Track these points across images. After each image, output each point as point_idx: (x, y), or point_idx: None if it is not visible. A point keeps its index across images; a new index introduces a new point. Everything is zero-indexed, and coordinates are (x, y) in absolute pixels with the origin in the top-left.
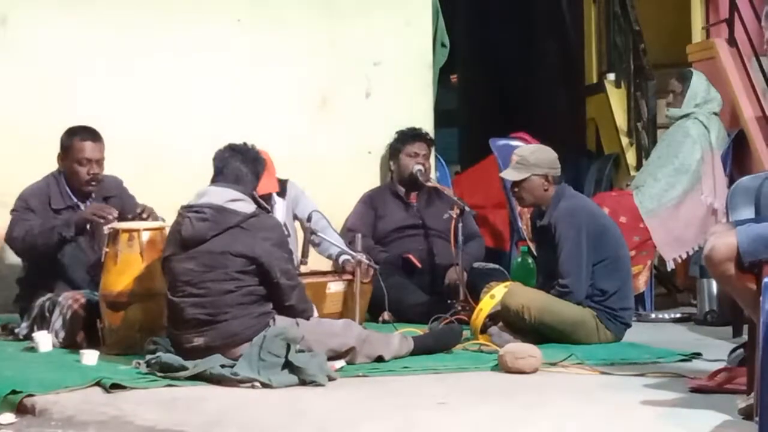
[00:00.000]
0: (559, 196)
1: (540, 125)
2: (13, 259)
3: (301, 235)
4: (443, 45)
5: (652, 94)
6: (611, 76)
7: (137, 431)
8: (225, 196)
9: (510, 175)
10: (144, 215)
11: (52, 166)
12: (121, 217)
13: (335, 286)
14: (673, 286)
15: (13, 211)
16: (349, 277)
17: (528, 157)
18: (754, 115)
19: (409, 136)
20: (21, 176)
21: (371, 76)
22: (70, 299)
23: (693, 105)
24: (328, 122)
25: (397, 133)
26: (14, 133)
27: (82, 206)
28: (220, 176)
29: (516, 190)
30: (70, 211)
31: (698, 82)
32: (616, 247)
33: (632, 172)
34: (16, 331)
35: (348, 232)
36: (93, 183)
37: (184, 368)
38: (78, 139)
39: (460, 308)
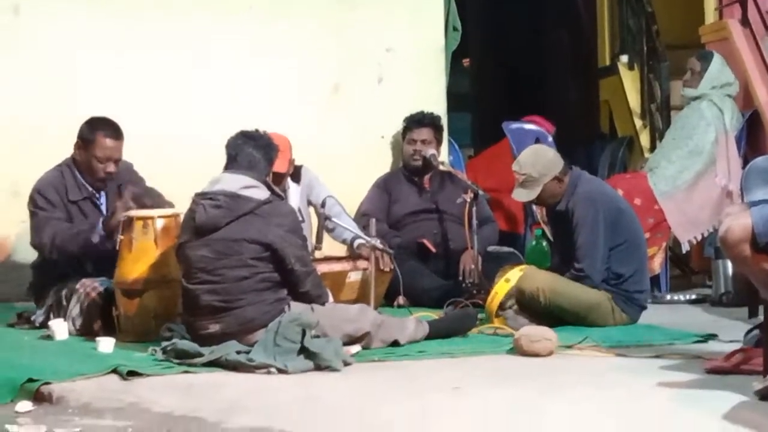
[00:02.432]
0: (574, 182)
1: (553, 108)
2: (26, 248)
3: (315, 220)
4: (455, 29)
5: (665, 76)
6: (624, 58)
7: (154, 418)
8: (239, 183)
9: (523, 195)
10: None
11: (64, 155)
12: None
13: (355, 276)
14: (688, 268)
15: (34, 210)
16: (367, 265)
17: (532, 172)
18: (767, 96)
19: (411, 122)
20: (33, 165)
21: (383, 61)
22: (87, 287)
23: (710, 87)
24: (341, 108)
25: (404, 119)
26: (26, 122)
27: (98, 196)
28: (233, 163)
29: (535, 201)
30: (88, 203)
31: (718, 64)
32: (632, 231)
33: (646, 155)
34: (32, 319)
35: (362, 217)
36: (106, 181)
37: (200, 355)
38: (101, 135)
39: (475, 292)
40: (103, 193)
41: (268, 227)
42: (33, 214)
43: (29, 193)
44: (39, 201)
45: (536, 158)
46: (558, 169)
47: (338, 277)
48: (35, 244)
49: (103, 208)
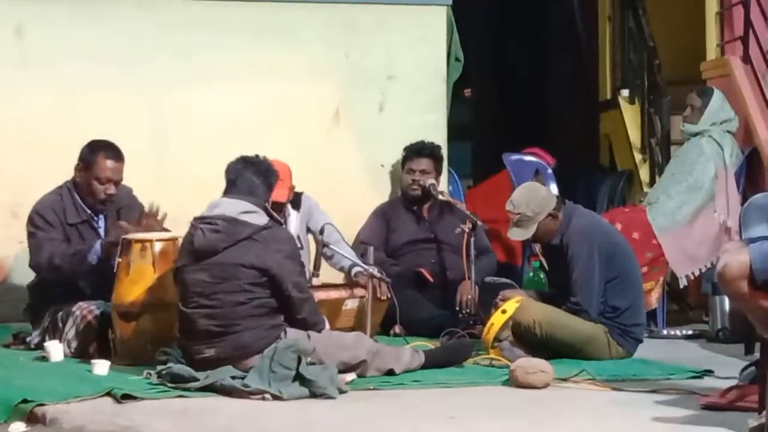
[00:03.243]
0: (569, 216)
1: (553, 140)
2: (24, 270)
3: (313, 247)
4: (457, 59)
5: (666, 111)
6: (625, 92)
7: None
8: (238, 208)
9: (519, 234)
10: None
11: (65, 176)
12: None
13: (351, 303)
14: (686, 303)
15: (32, 231)
16: (364, 293)
17: (526, 212)
18: (767, 133)
19: (410, 152)
20: (32, 186)
21: (385, 89)
22: (84, 310)
23: (710, 123)
24: (341, 135)
25: (404, 148)
26: (28, 143)
27: (96, 219)
28: (233, 188)
29: (531, 240)
30: (86, 226)
31: (719, 100)
32: (627, 265)
33: (645, 189)
34: (28, 340)
35: (360, 245)
36: (106, 203)
37: (195, 379)
38: (101, 157)
39: (471, 322)
40: (101, 217)
41: (266, 253)
42: (31, 235)
43: (28, 214)
44: (38, 222)
45: (530, 197)
46: (552, 206)
47: (335, 304)
48: (33, 264)
49: (101, 231)
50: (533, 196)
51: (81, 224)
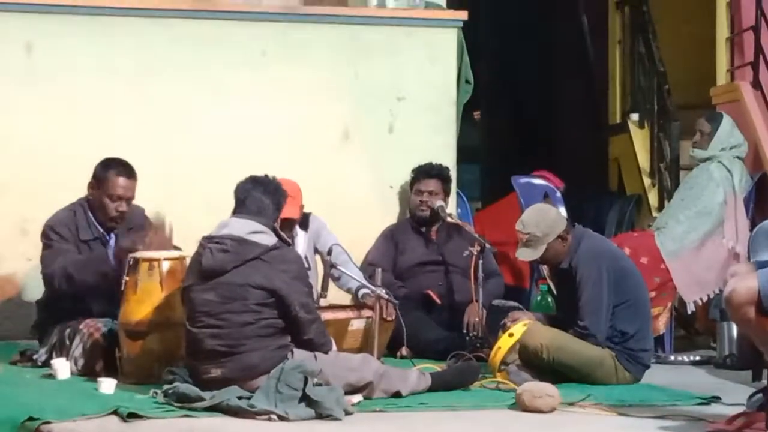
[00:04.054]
0: (578, 239)
1: (562, 164)
2: (32, 286)
3: (321, 268)
4: (467, 81)
5: (675, 135)
6: (635, 116)
7: None
8: (246, 228)
9: (527, 255)
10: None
11: (74, 192)
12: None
13: (357, 324)
14: (693, 329)
15: (47, 242)
16: (371, 314)
17: (536, 232)
18: None
19: (419, 173)
20: (42, 202)
21: (395, 110)
22: (91, 327)
23: (719, 148)
24: (351, 156)
25: (413, 169)
26: (37, 160)
27: (108, 238)
28: (241, 208)
29: (539, 261)
30: (98, 243)
31: (728, 126)
32: (636, 289)
33: (654, 213)
34: (35, 357)
35: (368, 267)
36: (118, 221)
37: (202, 399)
38: (114, 174)
39: (478, 345)
40: (113, 235)
41: (274, 273)
42: (46, 246)
43: (42, 229)
44: (52, 235)
45: (539, 218)
46: (561, 228)
47: (341, 324)
48: (46, 273)
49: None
50: (543, 217)
51: (93, 241)
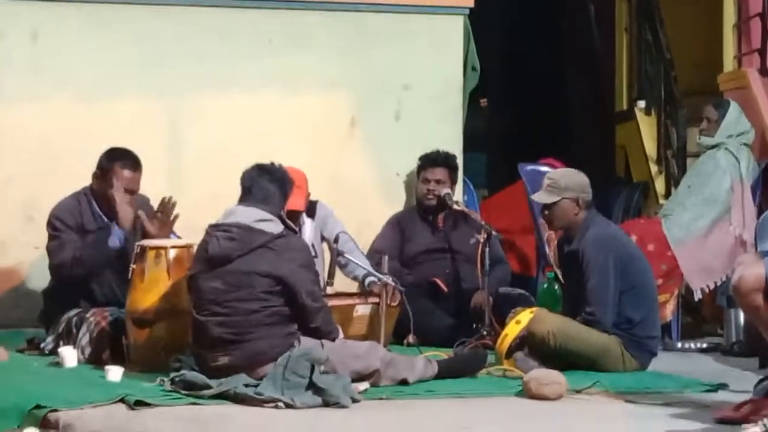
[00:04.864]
0: (588, 223)
1: (569, 151)
2: (39, 275)
3: (328, 256)
4: (474, 69)
5: (682, 123)
6: (642, 104)
7: None
8: (252, 216)
9: (541, 198)
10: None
11: (79, 181)
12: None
13: (362, 309)
14: (700, 316)
15: (53, 233)
16: (376, 299)
17: (559, 181)
18: None
19: (425, 161)
20: (48, 190)
21: (401, 98)
22: (98, 316)
23: (726, 135)
24: (357, 144)
25: (419, 157)
26: (43, 148)
27: (112, 226)
28: (248, 196)
29: (546, 213)
30: (102, 234)
31: (735, 113)
32: (643, 276)
33: (661, 201)
34: (42, 345)
35: (375, 254)
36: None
37: (208, 387)
38: (119, 166)
39: (485, 333)
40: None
41: (281, 261)
42: (53, 237)
43: (47, 218)
44: (58, 225)
45: (570, 173)
46: (583, 196)
47: (346, 310)
48: (55, 263)
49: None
50: (573, 174)
51: (98, 230)
